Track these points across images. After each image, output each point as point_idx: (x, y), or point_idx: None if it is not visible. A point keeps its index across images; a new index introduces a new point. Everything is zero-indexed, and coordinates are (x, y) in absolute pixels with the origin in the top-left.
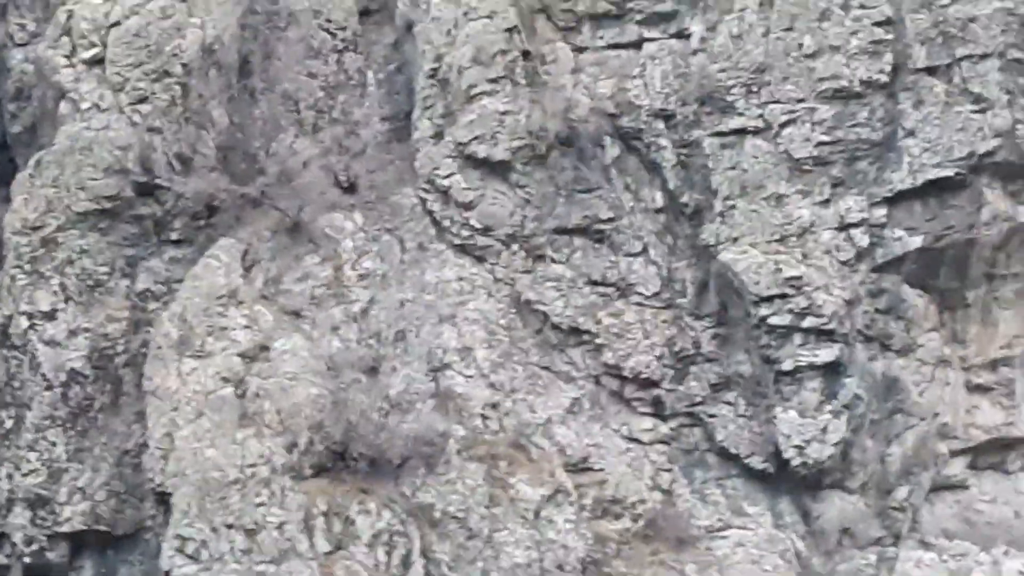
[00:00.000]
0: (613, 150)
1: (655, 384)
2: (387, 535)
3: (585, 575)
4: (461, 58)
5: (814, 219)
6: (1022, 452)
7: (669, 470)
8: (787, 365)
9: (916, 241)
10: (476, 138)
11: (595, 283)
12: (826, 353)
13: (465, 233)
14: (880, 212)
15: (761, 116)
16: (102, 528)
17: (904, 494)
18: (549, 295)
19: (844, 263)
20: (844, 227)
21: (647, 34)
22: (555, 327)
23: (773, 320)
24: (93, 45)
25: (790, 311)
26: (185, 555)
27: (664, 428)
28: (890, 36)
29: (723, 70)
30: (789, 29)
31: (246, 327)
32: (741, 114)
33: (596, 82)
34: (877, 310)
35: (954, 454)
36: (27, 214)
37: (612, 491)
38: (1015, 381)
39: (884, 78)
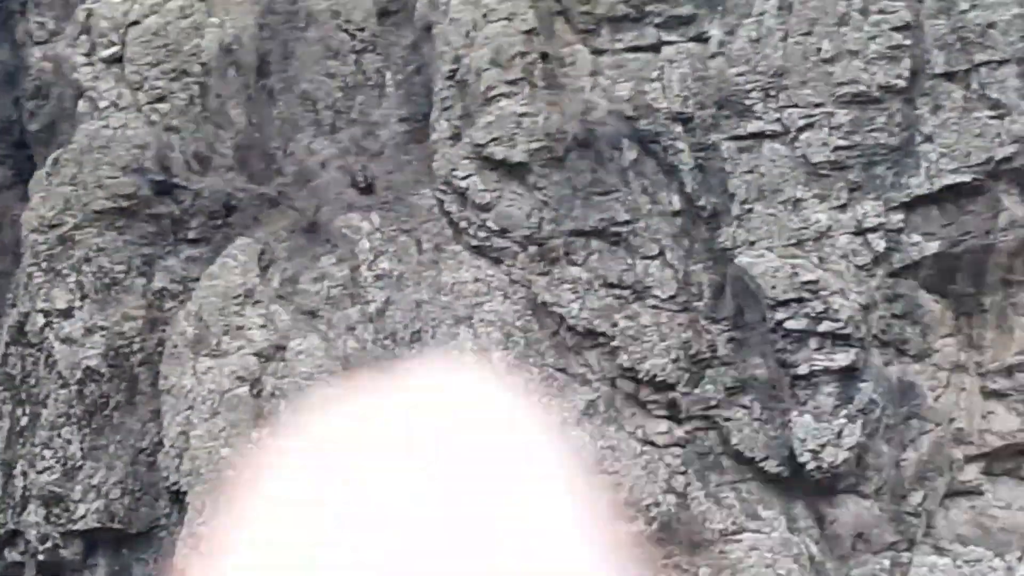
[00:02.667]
0: (631, 153)
1: (670, 387)
2: None
3: None
4: (479, 60)
5: (831, 223)
6: None
7: (684, 473)
8: (803, 369)
9: (933, 246)
10: (494, 140)
11: (611, 285)
12: (842, 357)
13: (482, 234)
14: (897, 217)
15: (779, 120)
16: (116, 526)
17: (919, 499)
18: (565, 297)
19: (861, 268)
20: (861, 232)
21: (666, 37)
22: (571, 329)
23: (789, 324)
24: (112, 44)
25: (806, 315)
26: (199, 553)
27: (679, 431)
28: (908, 41)
29: (741, 74)
30: (808, 34)
31: (262, 327)
32: (759, 118)
33: (614, 85)
34: (893, 315)
35: (969, 460)
36: (44, 212)
37: (626, 494)
38: None
39: (902, 83)
